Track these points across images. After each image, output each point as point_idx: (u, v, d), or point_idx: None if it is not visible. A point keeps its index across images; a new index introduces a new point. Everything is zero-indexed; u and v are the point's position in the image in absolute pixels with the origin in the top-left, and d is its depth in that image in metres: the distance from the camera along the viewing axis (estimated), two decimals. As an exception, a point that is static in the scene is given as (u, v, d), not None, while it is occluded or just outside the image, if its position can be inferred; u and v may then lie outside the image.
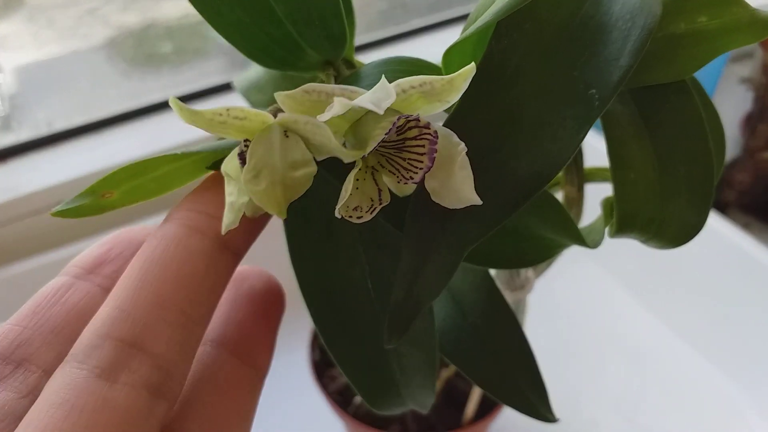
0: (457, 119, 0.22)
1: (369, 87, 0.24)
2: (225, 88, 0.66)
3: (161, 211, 0.56)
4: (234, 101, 0.61)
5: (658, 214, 0.23)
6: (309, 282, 0.26)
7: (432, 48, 0.68)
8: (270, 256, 0.35)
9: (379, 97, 0.16)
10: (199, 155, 0.21)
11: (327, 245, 0.26)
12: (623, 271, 0.65)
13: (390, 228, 0.23)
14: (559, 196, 0.32)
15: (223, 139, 0.21)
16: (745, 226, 0.74)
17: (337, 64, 0.26)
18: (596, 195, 0.32)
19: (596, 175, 0.30)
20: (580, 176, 0.32)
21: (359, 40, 0.69)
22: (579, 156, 0.31)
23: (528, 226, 0.24)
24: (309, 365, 0.48)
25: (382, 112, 0.16)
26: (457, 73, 0.17)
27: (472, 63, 0.17)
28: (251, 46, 0.23)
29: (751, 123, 0.75)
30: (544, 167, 0.22)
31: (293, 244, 0.25)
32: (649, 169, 0.22)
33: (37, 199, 0.55)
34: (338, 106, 0.16)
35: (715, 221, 0.57)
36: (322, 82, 0.26)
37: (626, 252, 0.53)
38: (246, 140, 0.19)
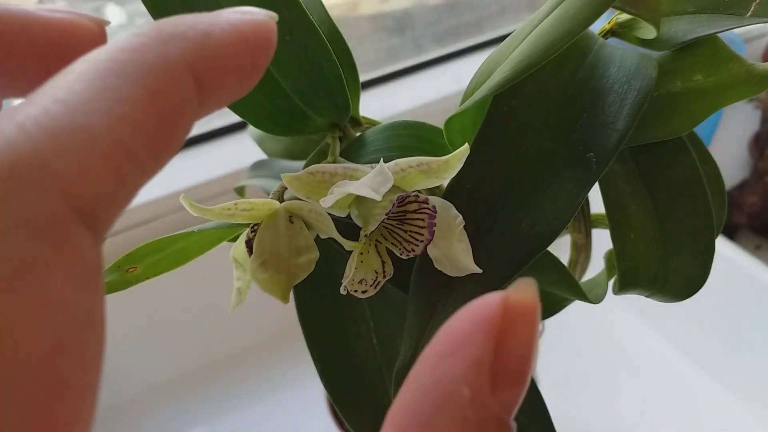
0: (459, 184, 0.22)
1: (373, 152, 0.24)
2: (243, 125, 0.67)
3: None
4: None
5: (661, 271, 0.23)
6: (315, 338, 0.26)
7: (441, 80, 0.68)
8: (276, 309, 0.35)
9: (377, 181, 0.16)
10: (212, 232, 0.21)
11: (333, 302, 0.26)
12: (635, 297, 0.65)
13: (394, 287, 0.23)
14: (567, 241, 0.32)
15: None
16: (757, 249, 0.73)
17: (343, 125, 0.26)
18: (605, 240, 0.32)
19: (603, 221, 0.30)
20: (587, 223, 0.32)
21: (369, 75, 0.70)
22: (586, 203, 0.31)
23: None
24: (326, 403, 0.48)
25: (380, 198, 0.16)
26: (452, 154, 0.18)
27: (467, 144, 0.18)
28: (258, 115, 0.23)
29: (759, 144, 0.74)
30: (545, 229, 0.22)
31: (301, 300, 0.26)
32: (649, 227, 0.23)
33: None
34: (336, 195, 0.17)
35: (724, 246, 0.56)
36: (329, 144, 0.27)
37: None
38: (253, 226, 0.19)
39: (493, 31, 0.74)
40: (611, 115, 0.23)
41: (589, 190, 0.22)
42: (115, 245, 0.54)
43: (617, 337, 0.64)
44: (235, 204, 0.18)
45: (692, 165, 0.24)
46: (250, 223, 0.20)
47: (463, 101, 0.24)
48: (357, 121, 0.30)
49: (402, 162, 0.19)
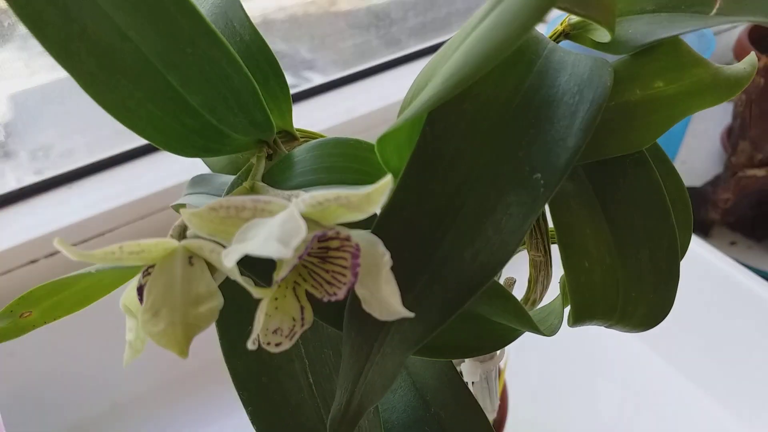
0: (393, 212, 0.19)
1: (300, 175, 0.21)
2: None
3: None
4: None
5: (620, 301, 0.20)
6: (244, 378, 0.23)
7: (409, 79, 0.65)
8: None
9: (287, 232, 0.14)
10: (113, 272, 0.18)
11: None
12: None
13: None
14: (525, 257, 0.30)
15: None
16: (731, 245, 0.72)
17: (271, 141, 0.23)
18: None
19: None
20: (546, 240, 0.29)
21: (335, 75, 0.66)
22: (542, 218, 0.28)
23: (481, 315, 0.22)
24: None
25: (290, 255, 0.13)
26: (373, 187, 0.15)
27: (389, 176, 0.15)
28: (167, 138, 0.20)
29: (732, 138, 0.72)
30: (490, 259, 0.19)
31: (226, 336, 0.23)
32: (605, 254, 0.20)
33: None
34: (234, 255, 0.14)
35: (698, 244, 0.54)
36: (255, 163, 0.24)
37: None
38: (147, 269, 0.17)
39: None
40: (561, 130, 0.20)
41: (536, 216, 0.19)
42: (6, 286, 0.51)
43: (590, 338, 0.62)
44: (120, 247, 0.16)
45: (653, 182, 0.21)
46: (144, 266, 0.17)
47: (399, 113, 0.21)
48: (292, 135, 0.27)
49: (319, 195, 0.16)
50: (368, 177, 0.22)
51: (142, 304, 0.17)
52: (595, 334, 0.63)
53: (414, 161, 0.20)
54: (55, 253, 0.52)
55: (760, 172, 0.70)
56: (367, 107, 0.63)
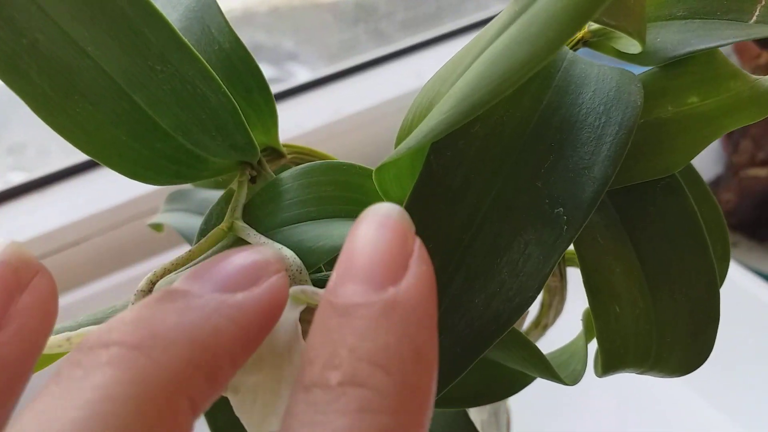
0: None
1: (287, 209, 0.19)
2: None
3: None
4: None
5: (654, 348, 0.18)
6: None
7: (403, 75, 0.63)
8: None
9: None
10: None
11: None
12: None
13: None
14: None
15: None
16: (733, 246, 0.70)
17: (255, 163, 0.21)
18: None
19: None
20: (562, 263, 0.27)
21: (326, 71, 0.64)
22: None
23: (495, 361, 0.19)
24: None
25: None
26: None
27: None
28: (134, 166, 0.18)
29: (733, 136, 0.70)
30: (504, 307, 0.17)
31: (213, 424, 0.20)
32: (637, 297, 0.18)
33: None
34: None
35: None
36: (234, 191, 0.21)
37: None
38: None
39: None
40: (585, 157, 0.17)
41: (560, 257, 0.17)
42: None
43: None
44: (68, 339, 0.14)
45: (687, 210, 0.19)
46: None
47: (399, 139, 0.19)
48: (279, 153, 0.24)
49: (309, 291, 0.15)
50: (364, 207, 0.19)
51: None
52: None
53: (416, 193, 0.17)
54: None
55: (762, 172, 0.68)
56: (356, 106, 0.60)
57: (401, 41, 0.68)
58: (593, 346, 0.22)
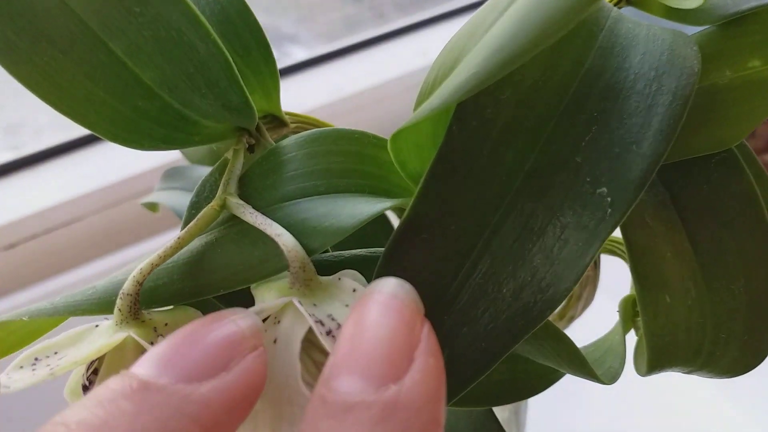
0: (409, 232, 0.15)
1: (290, 181, 0.17)
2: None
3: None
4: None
5: (706, 345, 0.16)
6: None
7: (404, 54, 0.60)
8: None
9: None
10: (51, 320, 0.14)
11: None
12: (614, 282, 0.58)
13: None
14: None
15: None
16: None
17: (253, 129, 0.19)
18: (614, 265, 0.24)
19: (617, 247, 0.22)
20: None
21: (325, 48, 0.61)
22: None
23: (523, 356, 0.17)
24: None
25: None
26: None
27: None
28: (113, 127, 0.15)
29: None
30: (537, 298, 0.15)
31: None
32: (690, 286, 0.16)
33: None
34: None
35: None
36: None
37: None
38: (93, 364, 0.15)
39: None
40: (634, 131, 0.15)
41: (602, 244, 0.15)
42: None
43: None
44: (48, 365, 0.13)
45: (747, 190, 0.17)
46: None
47: (417, 103, 0.17)
48: (280, 121, 0.22)
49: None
50: (378, 182, 0.17)
51: None
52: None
53: (436, 168, 0.15)
54: (16, 244, 0.47)
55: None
56: (359, 85, 0.57)
57: (406, 18, 0.65)
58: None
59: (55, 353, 0.14)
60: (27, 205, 0.48)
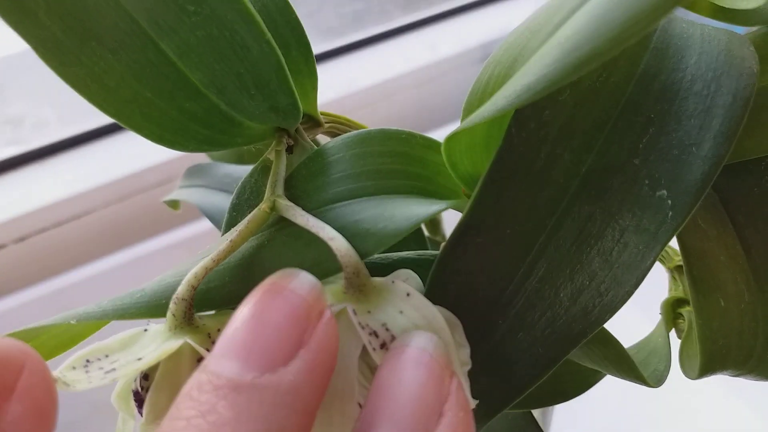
0: (465, 236, 0.14)
1: (337, 183, 0.16)
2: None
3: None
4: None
5: (758, 347, 0.16)
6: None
7: (413, 50, 0.59)
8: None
9: None
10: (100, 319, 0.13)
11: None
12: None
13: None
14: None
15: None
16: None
17: (293, 130, 0.18)
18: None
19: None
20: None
21: (332, 44, 0.60)
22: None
23: (568, 359, 0.17)
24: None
25: None
26: None
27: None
28: (159, 129, 0.15)
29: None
30: (594, 302, 0.14)
31: None
32: (743, 289, 0.16)
33: None
34: None
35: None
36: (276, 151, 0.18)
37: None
38: (144, 375, 0.14)
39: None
40: (692, 132, 0.15)
41: (663, 248, 0.14)
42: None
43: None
44: (101, 367, 0.13)
45: None
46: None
47: (469, 105, 0.16)
48: (316, 121, 0.22)
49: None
50: (426, 183, 0.17)
51: (140, 413, 0.14)
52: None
53: (494, 171, 0.15)
54: (25, 237, 0.46)
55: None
56: (365, 81, 0.57)
57: (414, 14, 0.64)
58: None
59: (106, 356, 0.14)
60: (37, 198, 0.47)
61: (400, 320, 0.14)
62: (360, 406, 0.14)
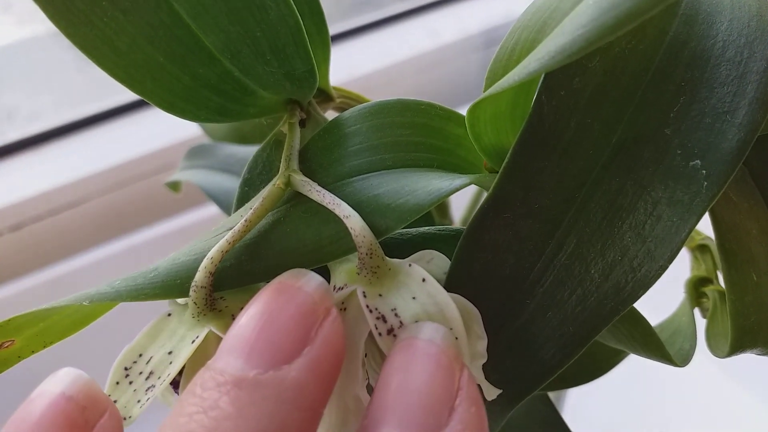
0: (492, 211, 0.14)
1: (355, 155, 0.16)
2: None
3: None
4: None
5: None
6: None
7: (415, 35, 0.59)
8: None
9: None
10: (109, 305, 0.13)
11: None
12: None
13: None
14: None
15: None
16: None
17: (306, 103, 0.17)
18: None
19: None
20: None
21: (333, 29, 0.59)
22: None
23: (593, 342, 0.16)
24: None
25: None
26: None
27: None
28: (170, 95, 0.14)
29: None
30: (627, 278, 0.14)
31: None
32: None
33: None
34: None
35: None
36: (284, 134, 0.18)
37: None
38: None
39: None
40: (726, 99, 0.14)
41: (698, 219, 0.14)
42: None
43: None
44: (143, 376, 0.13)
45: None
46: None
47: (492, 73, 0.15)
48: (327, 95, 0.21)
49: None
50: (447, 156, 0.16)
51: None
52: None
53: (522, 142, 0.14)
54: (22, 226, 0.45)
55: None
56: (366, 66, 0.56)
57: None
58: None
59: (140, 355, 0.13)
60: (32, 186, 0.46)
61: (412, 306, 0.13)
62: (369, 390, 0.14)
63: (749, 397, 0.51)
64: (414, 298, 0.13)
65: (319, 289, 0.12)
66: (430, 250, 0.15)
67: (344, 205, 0.14)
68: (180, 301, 0.14)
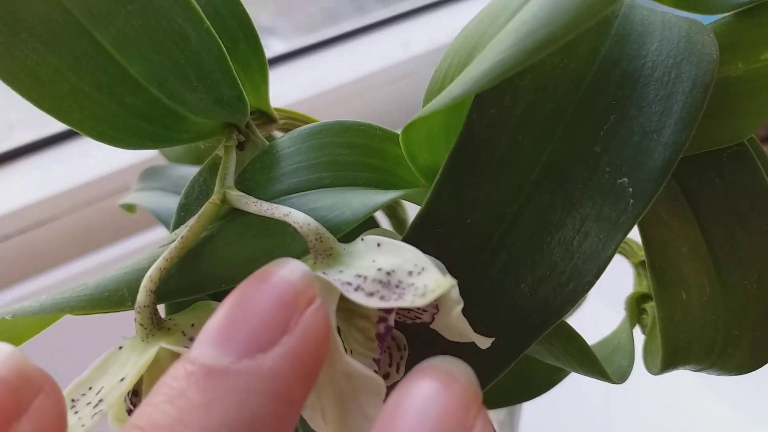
0: (426, 226, 0.14)
1: (292, 174, 0.16)
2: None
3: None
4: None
5: (719, 342, 0.15)
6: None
7: (386, 46, 0.59)
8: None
9: None
10: (35, 319, 0.13)
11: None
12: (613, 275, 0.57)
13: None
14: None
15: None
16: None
17: (243, 126, 0.17)
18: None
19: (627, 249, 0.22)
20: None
21: (303, 41, 0.59)
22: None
23: (529, 358, 0.16)
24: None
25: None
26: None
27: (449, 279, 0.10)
28: (99, 124, 0.15)
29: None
30: (555, 293, 0.14)
31: None
32: (705, 282, 0.15)
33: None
34: None
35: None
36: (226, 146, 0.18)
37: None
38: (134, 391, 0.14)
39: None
40: (653, 119, 0.15)
41: (624, 236, 0.14)
42: None
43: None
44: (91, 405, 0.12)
45: (759, 185, 0.16)
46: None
47: (429, 95, 0.16)
48: (269, 117, 0.21)
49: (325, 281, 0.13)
50: (385, 175, 0.16)
51: None
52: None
53: (454, 159, 0.15)
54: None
55: None
56: (338, 78, 0.56)
57: (387, 9, 0.64)
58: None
59: (90, 388, 0.13)
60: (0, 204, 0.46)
61: (374, 267, 0.13)
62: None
63: (717, 401, 0.51)
64: (374, 261, 0.13)
65: (303, 278, 0.12)
66: (381, 228, 0.15)
67: (282, 206, 0.14)
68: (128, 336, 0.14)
